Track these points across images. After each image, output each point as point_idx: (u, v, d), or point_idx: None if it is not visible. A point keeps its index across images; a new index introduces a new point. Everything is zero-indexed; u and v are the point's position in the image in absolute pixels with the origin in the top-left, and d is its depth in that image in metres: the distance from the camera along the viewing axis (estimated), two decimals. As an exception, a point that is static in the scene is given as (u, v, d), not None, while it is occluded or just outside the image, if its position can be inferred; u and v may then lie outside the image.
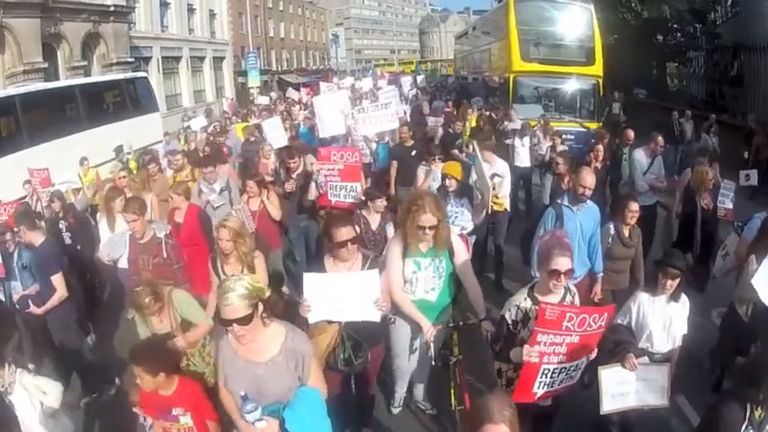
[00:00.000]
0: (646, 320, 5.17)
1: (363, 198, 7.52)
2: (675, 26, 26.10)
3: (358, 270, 4.92)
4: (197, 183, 9.67)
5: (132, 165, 15.37)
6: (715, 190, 9.16)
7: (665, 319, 5.13)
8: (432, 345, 5.13)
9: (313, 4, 71.33)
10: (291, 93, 32.50)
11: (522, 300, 4.38)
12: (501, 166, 8.93)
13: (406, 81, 29.35)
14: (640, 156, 9.95)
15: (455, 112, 17.65)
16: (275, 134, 13.68)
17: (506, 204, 9.07)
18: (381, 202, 7.04)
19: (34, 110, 16.08)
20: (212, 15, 44.28)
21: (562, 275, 4.13)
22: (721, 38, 22.91)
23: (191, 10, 40.85)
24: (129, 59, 30.17)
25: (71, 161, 14.70)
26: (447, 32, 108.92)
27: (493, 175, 8.08)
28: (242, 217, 7.42)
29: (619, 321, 5.22)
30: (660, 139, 10.02)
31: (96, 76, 25.32)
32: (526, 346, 4.03)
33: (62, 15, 24.99)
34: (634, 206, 6.67)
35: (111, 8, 28.20)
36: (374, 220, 7.05)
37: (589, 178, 6.23)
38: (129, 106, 20.74)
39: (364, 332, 4.85)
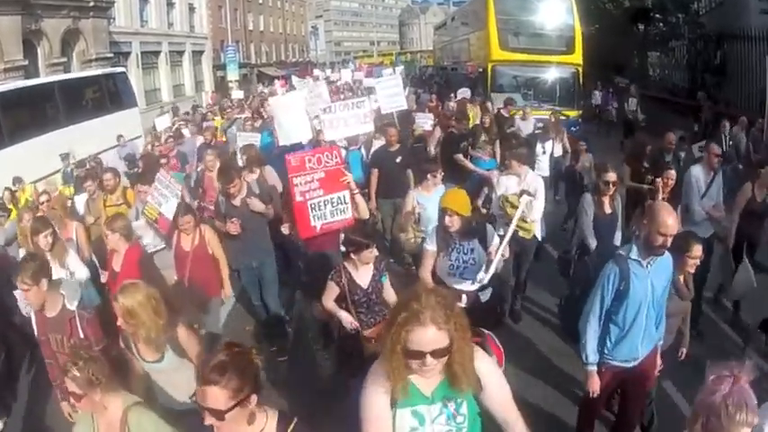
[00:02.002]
0: None
1: (344, 248, 5.40)
2: (657, 15, 26.21)
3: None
4: (133, 207, 7.97)
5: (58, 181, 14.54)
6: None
7: None
8: None
9: (292, -4, 70.93)
10: (261, 89, 30.85)
11: None
12: (533, 181, 7.21)
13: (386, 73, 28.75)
14: (698, 173, 7.62)
15: (441, 107, 17.38)
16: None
17: (536, 230, 7.18)
18: (370, 253, 5.05)
19: (13, 108, 15.97)
20: (191, 9, 43.90)
21: None
22: (704, 27, 23.07)
23: (170, 4, 40.50)
24: (109, 55, 29.92)
25: (51, 158, 14.68)
26: (426, 24, 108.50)
27: (522, 192, 6.37)
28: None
29: None
30: (715, 147, 8.02)
31: (75, 73, 25.10)
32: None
33: (42, 12, 24.69)
34: (697, 251, 5.01)
35: (91, 4, 27.90)
36: (363, 275, 5.13)
37: (671, 220, 4.17)
38: (108, 102, 20.71)
39: None
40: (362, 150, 11.02)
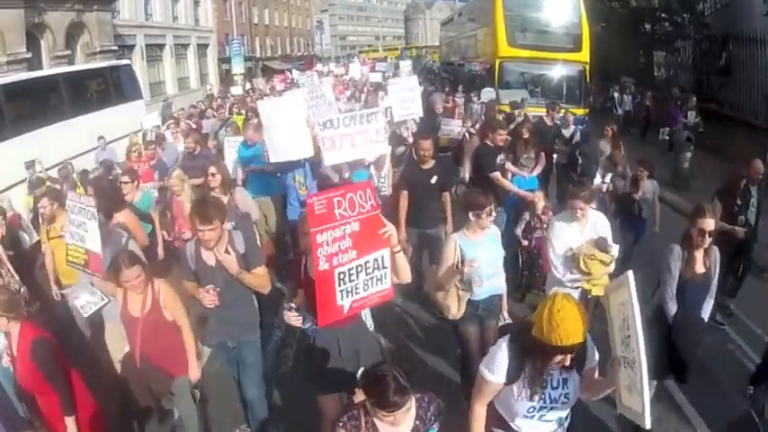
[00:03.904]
0: None
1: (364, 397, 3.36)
2: (663, 15, 26.08)
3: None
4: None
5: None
6: None
7: None
8: None
9: (297, -10, 70.85)
10: (259, 83, 28.97)
11: None
12: (601, 222, 5.94)
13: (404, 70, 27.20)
14: None
15: (456, 107, 15.47)
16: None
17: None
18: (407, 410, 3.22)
19: (17, 99, 15.89)
20: (196, 2, 43.78)
21: None
22: (710, 28, 22.94)
23: (174, -3, 40.49)
24: (113, 48, 29.80)
25: (55, 150, 14.61)
26: (432, 19, 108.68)
27: (599, 244, 5.57)
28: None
29: None
30: None
31: (80, 65, 25.05)
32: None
33: (46, 5, 24.56)
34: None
35: (95, -4, 27.82)
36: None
37: None
38: (113, 94, 20.59)
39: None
40: (372, 170, 8.23)
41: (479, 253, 5.22)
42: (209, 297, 4.82)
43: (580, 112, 18.12)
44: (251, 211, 7.53)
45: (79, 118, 17.57)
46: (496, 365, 3.43)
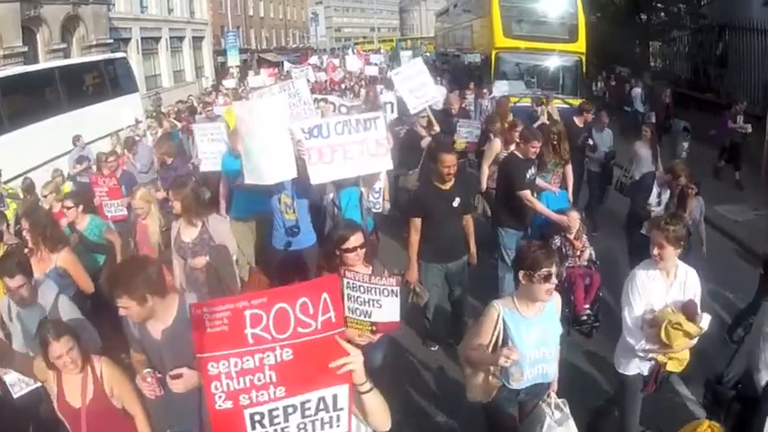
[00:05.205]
0: None
1: None
2: (660, 5, 26.09)
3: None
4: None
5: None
6: None
7: None
8: None
9: (292, -18, 70.62)
10: (256, 81, 27.42)
11: None
12: (691, 279, 4.47)
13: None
14: None
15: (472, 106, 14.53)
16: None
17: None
18: None
19: (13, 93, 15.87)
20: (191, -5, 43.67)
21: None
22: (707, 18, 22.97)
23: (170, -10, 40.34)
24: (109, 41, 29.83)
25: (51, 144, 14.61)
26: (428, 10, 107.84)
27: (689, 311, 4.25)
28: None
29: None
30: None
31: (75, 58, 25.02)
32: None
33: (41, -1, 24.67)
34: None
35: (91, -10, 27.80)
36: None
37: None
38: (109, 87, 20.57)
39: None
40: (362, 188, 6.60)
41: (529, 334, 3.90)
42: (146, 386, 3.66)
43: (576, 102, 18.16)
44: (228, 243, 5.96)
45: (74, 111, 17.52)
46: None
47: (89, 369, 3.78)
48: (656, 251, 4.27)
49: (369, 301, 4.09)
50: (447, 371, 6.45)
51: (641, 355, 4.45)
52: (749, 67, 19.05)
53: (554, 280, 3.78)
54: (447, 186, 6.20)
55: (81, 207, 6.78)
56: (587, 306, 7.02)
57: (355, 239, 4.41)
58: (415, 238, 6.19)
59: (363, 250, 4.46)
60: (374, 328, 4.18)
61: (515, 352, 3.62)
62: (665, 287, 4.39)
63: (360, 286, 4.08)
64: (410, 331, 7.06)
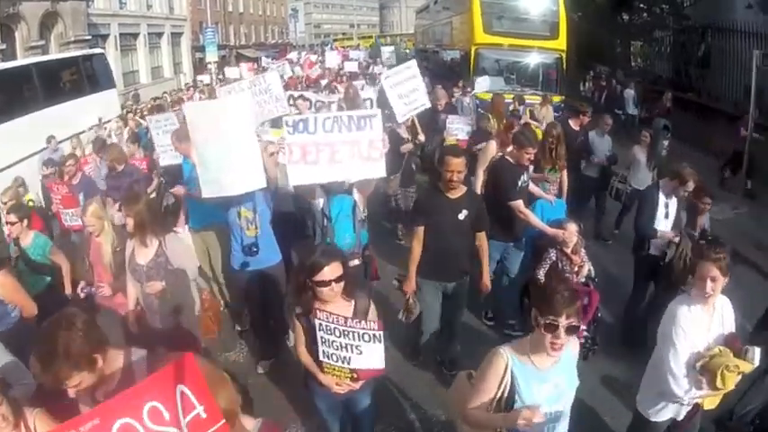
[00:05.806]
0: None
1: None
2: (642, 6, 26.26)
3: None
4: None
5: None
6: None
7: None
8: None
9: (272, -22, 70.27)
10: (231, 72, 27.09)
11: None
12: (727, 309, 3.95)
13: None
14: None
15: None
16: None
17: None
18: None
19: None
20: (171, -9, 43.36)
21: None
22: (689, 19, 23.18)
23: (149, -14, 40.01)
24: (87, 37, 29.64)
25: (28, 141, 14.44)
26: (408, 7, 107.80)
27: (735, 346, 3.77)
28: None
29: None
30: None
31: (53, 54, 24.78)
32: None
33: (21, -5, 24.44)
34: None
35: (70, -14, 27.56)
36: None
37: None
38: (86, 83, 20.32)
39: None
40: (356, 195, 5.68)
41: (541, 390, 3.24)
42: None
43: (556, 99, 18.23)
44: (187, 265, 5.39)
45: (51, 108, 17.29)
46: None
47: (21, 425, 3.00)
48: (708, 286, 3.67)
49: (346, 347, 3.66)
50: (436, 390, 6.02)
51: (686, 401, 3.92)
52: (731, 69, 19.28)
53: (575, 321, 3.08)
54: (454, 195, 5.49)
55: (26, 222, 6.24)
56: (584, 328, 6.08)
57: (331, 271, 3.66)
58: (416, 249, 5.61)
59: (341, 284, 3.74)
60: (355, 375, 3.77)
61: (539, 413, 2.99)
62: (708, 324, 3.83)
63: (334, 329, 3.63)
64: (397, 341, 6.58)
